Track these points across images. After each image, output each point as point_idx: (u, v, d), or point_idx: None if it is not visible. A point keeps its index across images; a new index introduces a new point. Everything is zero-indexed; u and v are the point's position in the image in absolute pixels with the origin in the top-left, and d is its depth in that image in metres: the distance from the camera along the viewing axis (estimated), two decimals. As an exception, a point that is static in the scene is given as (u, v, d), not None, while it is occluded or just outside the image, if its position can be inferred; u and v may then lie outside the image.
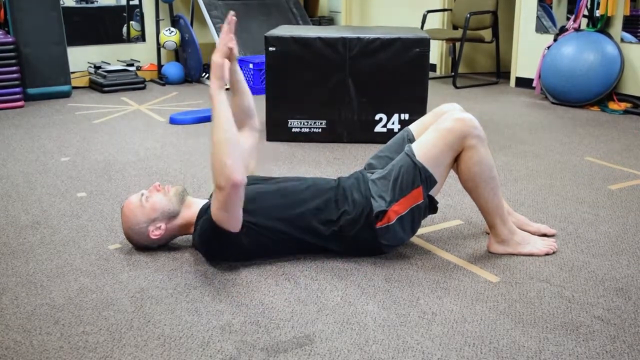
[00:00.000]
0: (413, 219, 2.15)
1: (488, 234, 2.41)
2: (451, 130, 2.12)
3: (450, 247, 2.31)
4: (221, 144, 1.91)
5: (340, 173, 3.10)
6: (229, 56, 2.14)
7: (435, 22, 6.18)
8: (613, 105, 4.67)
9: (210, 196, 2.15)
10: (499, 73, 5.90)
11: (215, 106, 1.97)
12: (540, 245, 2.26)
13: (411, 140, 2.31)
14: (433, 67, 6.33)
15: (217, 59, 2.02)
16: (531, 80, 5.36)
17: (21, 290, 1.99)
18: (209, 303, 1.91)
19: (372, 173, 2.24)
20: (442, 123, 2.15)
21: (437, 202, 2.19)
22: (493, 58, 6.05)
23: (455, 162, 2.17)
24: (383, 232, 2.12)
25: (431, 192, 2.15)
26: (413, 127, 2.37)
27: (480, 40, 5.80)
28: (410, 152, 2.14)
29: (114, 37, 6.27)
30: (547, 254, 2.24)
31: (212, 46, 5.90)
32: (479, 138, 2.13)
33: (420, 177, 2.11)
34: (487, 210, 2.20)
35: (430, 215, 2.44)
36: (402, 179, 2.11)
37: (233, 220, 2.01)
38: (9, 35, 4.75)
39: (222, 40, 2.06)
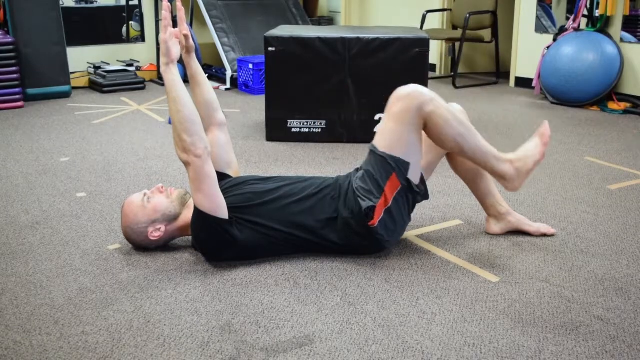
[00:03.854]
0: (399, 207, 2.13)
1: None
2: (404, 110, 2.07)
3: (450, 247, 2.31)
4: (179, 123, 1.97)
5: (340, 173, 3.09)
6: (186, 47, 2.19)
7: (435, 22, 6.18)
8: (613, 105, 4.67)
9: None
10: (499, 73, 5.90)
11: (166, 85, 2.00)
12: (538, 147, 2.19)
13: None
14: (433, 67, 6.32)
15: (161, 36, 2.02)
16: (531, 80, 5.36)
17: (21, 291, 1.99)
18: (208, 303, 1.91)
19: (355, 175, 2.24)
20: (392, 107, 2.11)
21: (425, 182, 2.17)
22: (493, 58, 6.05)
23: (429, 135, 2.13)
24: (377, 229, 2.12)
25: (416, 174, 2.13)
26: None
27: (480, 40, 5.80)
28: (371, 147, 2.16)
29: (114, 37, 6.27)
30: (546, 146, 2.19)
31: (212, 46, 5.91)
32: (433, 100, 2.08)
33: (390, 165, 2.10)
34: (478, 160, 2.16)
35: (430, 215, 2.44)
36: (375, 174, 2.11)
37: (209, 200, 2.01)
38: (8, 36, 4.74)
39: (164, 15, 2.03)
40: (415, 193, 2.16)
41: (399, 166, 2.10)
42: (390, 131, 2.11)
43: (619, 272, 2.11)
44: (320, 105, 3.77)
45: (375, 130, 3.48)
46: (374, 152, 2.14)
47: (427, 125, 2.10)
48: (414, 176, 2.13)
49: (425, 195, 2.22)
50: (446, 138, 2.11)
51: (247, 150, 3.64)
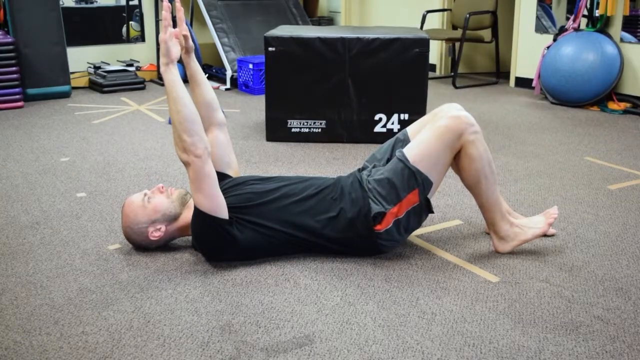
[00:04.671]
0: (409, 221, 2.16)
1: (488, 234, 2.41)
2: (448, 128, 2.11)
3: (450, 247, 2.31)
4: (179, 123, 1.97)
5: (340, 173, 3.10)
6: (185, 47, 2.19)
7: (435, 22, 6.18)
8: (612, 105, 4.67)
9: None
10: (499, 73, 5.90)
11: (166, 85, 2.01)
12: (541, 223, 2.26)
13: (406, 142, 2.29)
14: (433, 67, 6.33)
15: (161, 36, 2.03)
16: (531, 80, 5.36)
17: (21, 291, 1.99)
18: (208, 303, 1.91)
19: (369, 174, 2.24)
20: (438, 122, 2.15)
21: (430, 204, 2.20)
22: (492, 58, 6.05)
23: (455, 160, 2.17)
24: (381, 234, 2.13)
25: (432, 194, 2.16)
26: (411, 129, 2.36)
27: (480, 40, 5.80)
28: (402, 157, 2.14)
29: (114, 37, 6.27)
30: (550, 225, 2.26)
31: (212, 46, 5.91)
32: (477, 134, 2.13)
33: (416, 181, 2.11)
34: (487, 206, 2.20)
35: (430, 215, 2.44)
36: (397, 184, 2.11)
37: (209, 200, 2.01)
38: (8, 36, 4.74)
39: (164, 15, 2.03)
40: (428, 212, 2.19)
41: (424, 184, 2.12)
42: (427, 143, 2.13)
43: (619, 272, 2.11)
44: (320, 105, 3.77)
45: (380, 127, 3.42)
46: (403, 163, 2.13)
47: (461, 153, 2.14)
48: (430, 196, 2.16)
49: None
50: (472, 172, 2.15)
51: (247, 150, 3.64)
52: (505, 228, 2.22)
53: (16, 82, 4.72)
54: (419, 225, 2.22)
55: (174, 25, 2.11)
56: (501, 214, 2.21)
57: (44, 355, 1.65)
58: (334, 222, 2.14)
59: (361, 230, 2.13)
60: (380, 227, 2.11)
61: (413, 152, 2.14)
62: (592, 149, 3.64)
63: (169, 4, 2.02)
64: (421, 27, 5.83)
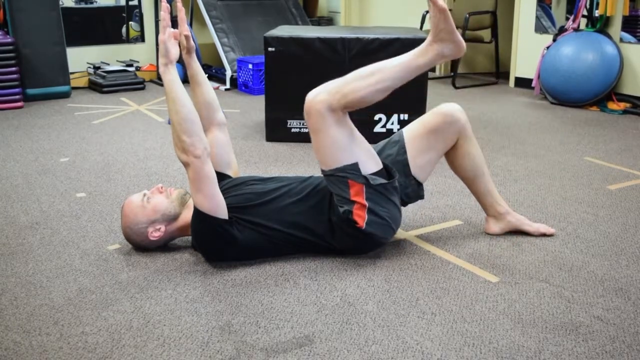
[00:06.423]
0: (379, 203, 2.10)
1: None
2: (317, 118, 2.06)
3: (450, 247, 2.31)
4: (178, 124, 1.97)
5: (340, 173, 3.10)
6: (187, 47, 2.20)
7: (435, 22, 6.17)
8: (612, 105, 4.68)
9: None
10: (498, 73, 5.90)
11: (165, 85, 2.00)
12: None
13: (400, 143, 2.28)
14: (432, 68, 6.32)
15: (160, 37, 2.03)
16: (530, 80, 5.36)
17: (20, 291, 1.99)
18: (208, 303, 1.91)
19: None
20: (308, 123, 2.11)
21: (412, 173, 2.21)
22: (492, 58, 6.05)
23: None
24: (366, 229, 2.11)
25: (370, 165, 2.11)
26: (408, 129, 2.34)
27: (480, 40, 5.80)
28: (321, 171, 2.13)
29: (113, 37, 6.26)
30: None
31: (211, 46, 5.91)
32: (330, 91, 2.07)
33: (341, 177, 2.07)
34: (409, 73, 2.08)
35: (430, 215, 2.45)
36: (337, 191, 2.09)
37: (209, 201, 2.01)
38: (8, 36, 4.74)
39: (162, 16, 2.03)
40: (384, 184, 2.11)
41: (348, 171, 2.07)
42: (323, 145, 2.08)
43: (619, 272, 2.11)
44: (320, 106, 3.76)
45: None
46: (325, 175, 2.13)
47: (351, 108, 2.07)
48: (369, 168, 2.10)
49: (417, 193, 2.26)
50: (371, 97, 2.07)
51: (247, 150, 3.64)
52: (436, 48, 2.05)
53: (16, 82, 4.71)
54: (393, 197, 2.15)
55: (174, 26, 2.11)
56: (418, 55, 2.07)
57: (44, 356, 1.65)
58: (331, 223, 2.14)
59: (349, 230, 2.11)
60: (361, 224, 2.09)
61: (323, 161, 2.11)
62: (591, 149, 3.64)
63: (168, 5, 2.03)
64: (421, 27, 5.83)
